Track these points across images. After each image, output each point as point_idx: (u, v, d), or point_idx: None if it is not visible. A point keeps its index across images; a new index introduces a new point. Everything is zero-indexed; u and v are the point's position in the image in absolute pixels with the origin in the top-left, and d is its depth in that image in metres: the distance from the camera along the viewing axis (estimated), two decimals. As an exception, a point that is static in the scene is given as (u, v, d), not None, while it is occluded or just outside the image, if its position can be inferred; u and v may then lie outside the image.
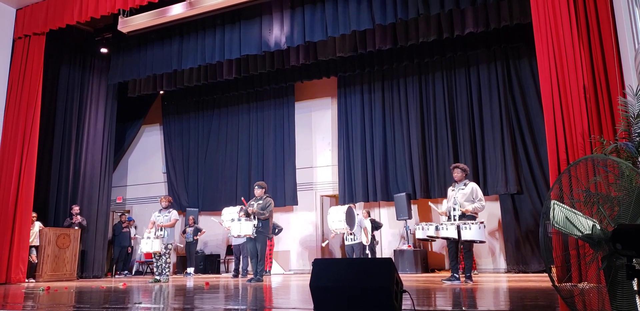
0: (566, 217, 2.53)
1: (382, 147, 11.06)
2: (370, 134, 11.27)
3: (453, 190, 6.61)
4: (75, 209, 10.55)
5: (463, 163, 7.50)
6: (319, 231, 11.81)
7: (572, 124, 5.90)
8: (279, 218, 11.35)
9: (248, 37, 9.43)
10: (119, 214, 13.33)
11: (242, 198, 8.81)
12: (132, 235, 12.59)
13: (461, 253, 6.50)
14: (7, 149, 9.38)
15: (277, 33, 9.23)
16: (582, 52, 5.99)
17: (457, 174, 6.59)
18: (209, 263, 12.35)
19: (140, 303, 4.53)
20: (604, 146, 5.02)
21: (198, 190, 13.11)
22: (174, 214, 8.74)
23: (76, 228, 10.37)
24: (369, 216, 10.24)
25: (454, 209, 6.42)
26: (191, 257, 11.64)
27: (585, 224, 2.50)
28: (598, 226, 2.46)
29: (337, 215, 9.27)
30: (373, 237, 10.03)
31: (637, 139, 4.75)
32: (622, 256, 2.22)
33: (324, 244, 10.75)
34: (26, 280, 9.07)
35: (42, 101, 9.84)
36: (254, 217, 7.83)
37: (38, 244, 9.64)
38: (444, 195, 9.28)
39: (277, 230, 10.68)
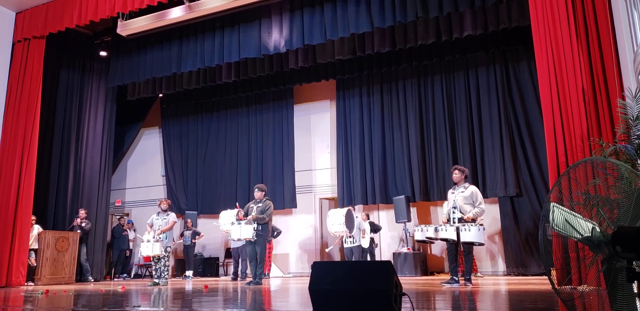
0: (566, 219, 2.53)
1: (381, 150, 11.06)
2: (369, 136, 11.28)
3: (453, 193, 6.62)
4: (81, 213, 10.55)
5: (462, 166, 7.50)
6: (318, 234, 11.79)
7: (571, 127, 5.90)
8: (277, 220, 11.33)
9: (247, 41, 9.44)
10: (118, 217, 13.32)
11: (237, 204, 8.77)
12: (131, 238, 12.57)
13: (461, 256, 6.49)
14: (7, 152, 9.37)
15: (276, 36, 9.24)
16: (581, 54, 6.00)
17: (455, 175, 6.61)
18: (208, 266, 12.32)
19: (139, 306, 4.52)
20: (603, 148, 5.01)
21: (197, 193, 13.09)
22: (172, 217, 8.72)
23: (77, 231, 10.35)
24: (368, 218, 10.24)
25: (454, 212, 6.42)
26: (190, 260, 11.62)
27: (585, 226, 2.50)
28: (598, 229, 2.45)
29: (336, 218, 9.26)
30: (372, 240, 10.02)
31: (637, 141, 4.76)
32: (622, 259, 2.22)
33: (328, 250, 10.69)
34: (25, 283, 9.04)
35: (41, 104, 9.84)
36: (254, 221, 7.79)
37: (37, 247, 9.62)
38: (443, 198, 9.28)
39: (276, 233, 10.67)
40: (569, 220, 2.51)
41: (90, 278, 10.54)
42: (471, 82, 10.41)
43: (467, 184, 6.59)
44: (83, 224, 10.43)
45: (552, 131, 6.07)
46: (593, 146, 5.50)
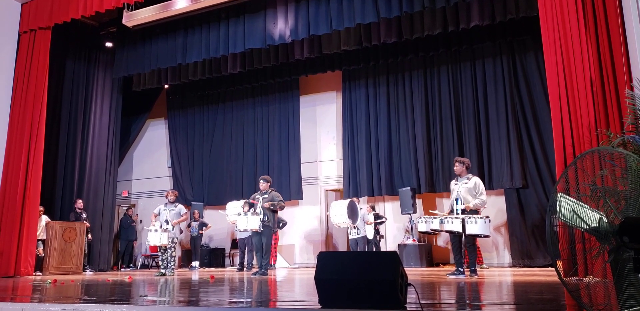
0: (573, 210, 2.52)
1: (387, 141, 11.03)
2: (375, 128, 11.24)
3: (456, 184, 6.63)
4: (79, 203, 10.56)
5: (468, 157, 7.49)
6: (324, 225, 11.82)
7: (579, 118, 5.86)
8: (283, 212, 11.33)
9: (252, 31, 9.41)
10: (125, 208, 13.41)
11: (252, 200, 8.51)
12: (138, 229, 12.67)
13: (465, 248, 6.50)
14: (14, 143, 9.42)
15: (281, 26, 9.20)
16: (589, 45, 5.94)
17: (457, 167, 6.63)
18: (214, 257, 12.40)
19: (146, 295, 4.56)
20: (611, 139, 4.98)
21: (203, 184, 13.14)
22: (181, 208, 8.77)
23: (83, 221, 10.43)
24: (374, 210, 10.25)
25: (457, 203, 6.42)
26: (196, 251, 11.69)
27: (592, 217, 2.49)
28: (605, 219, 2.44)
29: (339, 209, 9.26)
30: (377, 231, 10.04)
31: (645, 132, 4.72)
32: (629, 249, 2.21)
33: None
34: (33, 273, 9.15)
35: (48, 95, 9.86)
36: (261, 211, 7.81)
37: (45, 237, 9.72)
38: (449, 189, 9.25)
39: (281, 224, 10.70)
40: (576, 210, 2.50)
41: (88, 270, 10.41)
42: (478, 73, 10.34)
43: (470, 175, 6.61)
44: (84, 216, 10.54)
45: (559, 121, 6.03)
46: (601, 137, 5.46)
